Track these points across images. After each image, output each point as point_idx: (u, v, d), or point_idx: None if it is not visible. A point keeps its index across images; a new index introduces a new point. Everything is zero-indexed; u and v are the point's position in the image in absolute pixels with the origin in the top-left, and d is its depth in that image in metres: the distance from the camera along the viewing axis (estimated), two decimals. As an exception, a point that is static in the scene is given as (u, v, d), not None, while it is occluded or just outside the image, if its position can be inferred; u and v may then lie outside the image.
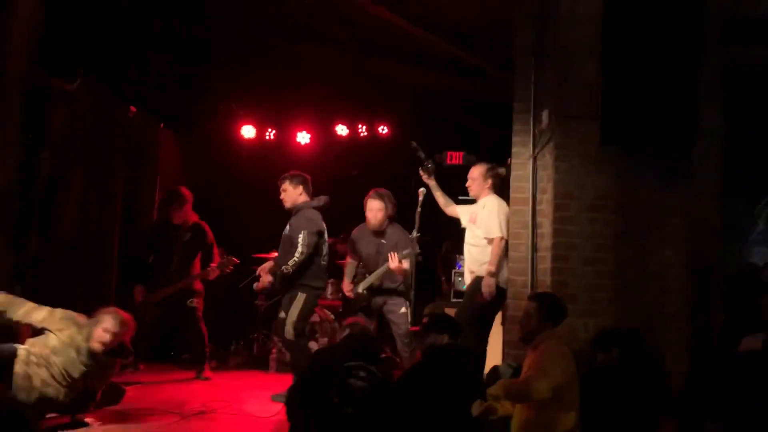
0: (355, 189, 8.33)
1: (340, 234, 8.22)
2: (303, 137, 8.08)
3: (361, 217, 5.68)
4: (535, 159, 4.39)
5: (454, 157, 7.69)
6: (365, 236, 5.36)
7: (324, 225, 5.09)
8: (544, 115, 4.24)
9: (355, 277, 5.51)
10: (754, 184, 6.22)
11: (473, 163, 7.44)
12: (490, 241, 4.48)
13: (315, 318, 6.78)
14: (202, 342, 5.83)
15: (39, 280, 4.99)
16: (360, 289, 5.27)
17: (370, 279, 5.19)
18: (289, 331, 4.81)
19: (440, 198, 5.03)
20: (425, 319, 3.50)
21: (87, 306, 5.37)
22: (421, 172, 4.93)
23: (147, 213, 6.77)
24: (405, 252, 4.81)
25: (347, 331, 3.91)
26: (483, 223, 4.55)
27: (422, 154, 4.89)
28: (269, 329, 7.28)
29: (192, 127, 7.66)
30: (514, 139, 4.55)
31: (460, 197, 5.28)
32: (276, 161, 8.04)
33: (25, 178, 5.10)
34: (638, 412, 3.33)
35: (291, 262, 4.80)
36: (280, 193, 5.16)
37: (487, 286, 4.39)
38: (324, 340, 6.69)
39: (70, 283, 5.41)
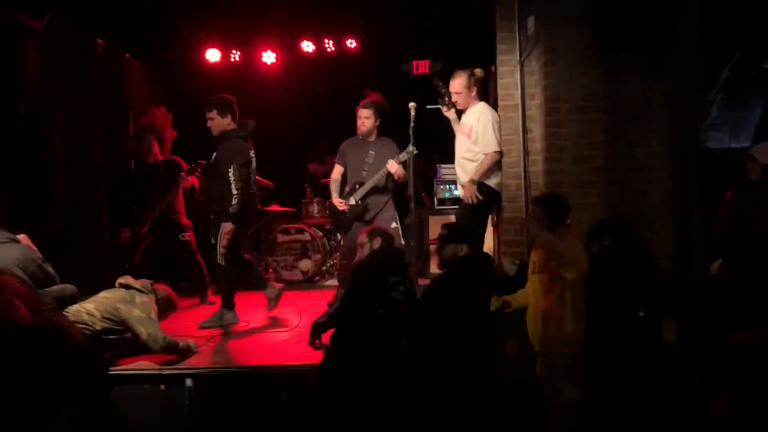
0: (322, 106, 8.45)
1: (307, 154, 8.35)
2: (269, 57, 7.93)
3: (331, 134, 5.64)
4: (522, 65, 4.53)
5: (420, 66, 7.76)
6: (355, 145, 5.43)
7: (252, 153, 4.98)
8: (531, 22, 4.34)
9: (344, 186, 5.58)
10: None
11: (439, 70, 7.55)
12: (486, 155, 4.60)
13: (306, 236, 7.00)
14: (201, 270, 6.01)
15: (35, 228, 5.00)
16: (353, 200, 5.34)
17: (366, 187, 5.25)
18: (219, 257, 4.81)
19: (457, 131, 4.97)
20: (442, 232, 3.64)
21: (83, 255, 5.52)
22: (441, 105, 4.91)
23: (124, 146, 6.68)
24: (404, 152, 4.91)
25: (377, 239, 3.87)
26: (480, 138, 4.59)
27: (444, 89, 4.83)
28: (257, 252, 7.52)
29: (156, 55, 7.44)
30: (500, 47, 4.65)
31: (428, 106, 5.31)
32: (242, 83, 7.96)
33: (5, 122, 5.02)
34: (632, 293, 3.66)
35: (234, 202, 4.70)
36: (207, 121, 4.91)
37: (468, 192, 4.56)
38: (317, 257, 6.95)
39: (66, 228, 5.44)
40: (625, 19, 3.69)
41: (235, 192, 4.67)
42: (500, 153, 4.60)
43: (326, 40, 7.80)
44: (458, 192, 4.95)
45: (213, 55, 7.78)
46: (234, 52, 7.89)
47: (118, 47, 6.52)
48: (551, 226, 3.29)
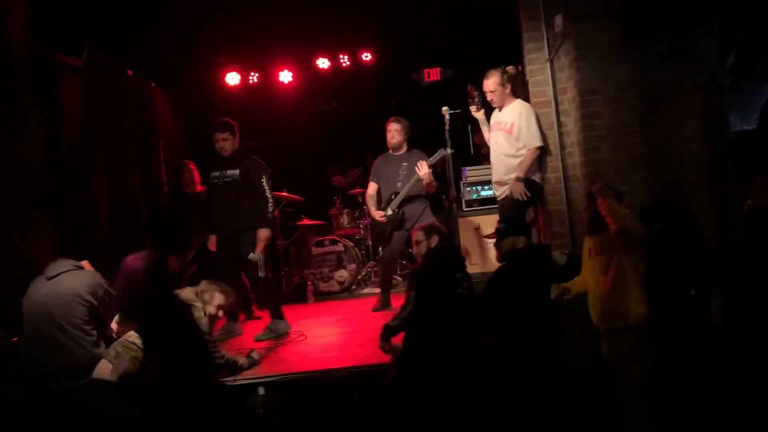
0: (340, 120, 8.61)
1: (332, 167, 8.50)
2: (285, 76, 8.11)
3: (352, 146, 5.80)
4: (551, 62, 4.69)
5: (432, 74, 7.93)
6: (387, 160, 5.66)
7: None
8: (558, 20, 4.49)
9: (379, 203, 5.78)
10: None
11: (449, 76, 7.69)
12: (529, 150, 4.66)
13: (340, 247, 7.14)
14: (245, 287, 6.13)
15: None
16: (390, 210, 5.53)
17: (401, 195, 5.44)
18: (260, 269, 4.95)
19: (485, 131, 5.05)
20: (499, 227, 3.77)
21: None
22: (471, 107, 5.01)
23: (157, 176, 6.84)
24: (437, 154, 5.08)
25: (434, 237, 3.91)
26: (524, 133, 4.63)
27: (476, 91, 4.94)
28: (291, 266, 7.66)
29: (179, 83, 7.62)
30: (528, 45, 4.82)
31: (445, 108, 5.24)
32: (261, 104, 8.17)
33: (51, 157, 5.15)
34: (685, 272, 3.76)
35: (270, 209, 4.98)
36: (219, 142, 5.09)
37: (516, 189, 4.64)
38: (352, 266, 7.08)
39: (112, 259, 5.56)
40: (654, 10, 3.86)
41: (270, 200, 4.93)
42: (542, 148, 4.69)
43: (341, 55, 7.98)
44: (493, 191, 5.05)
45: (232, 78, 7.97)
46: (252, 74, 8.08)
47: (145, 78, 6.69)
48: None
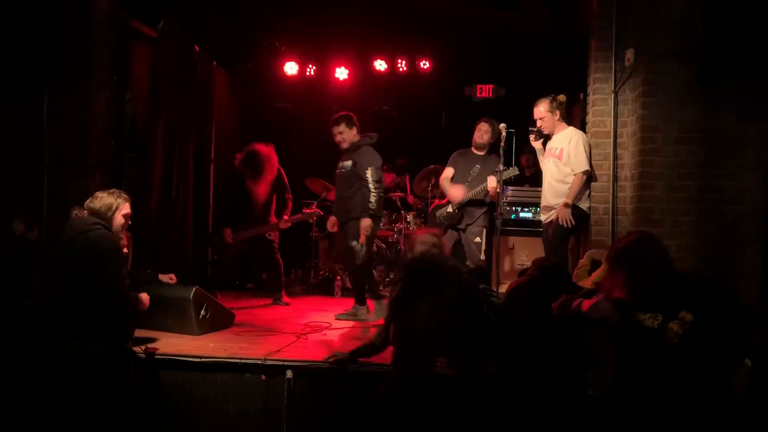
0: (388, 124, 8.67)
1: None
2: (341, 73, 8.22)
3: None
4: (616, 94, 4.70)
5: (484, 90, 7.97)
6: (466, 156, 5.79)
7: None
8: (630, 53, 4.51)
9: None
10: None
11: (502, 95, 7.73)
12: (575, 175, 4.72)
13: (373, 247, 7.17)
14: (279, 271, 6.26)
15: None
16: (451, 208, 5.64)
17: (465, 198, 5.54)
18: (359, 258, 5.18)
19: (541, 160, 5.13)
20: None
21: (175, 250, 5.79)
22: (530, 136, 5.13)
23: (207, 154, 6.97)
24: (506, 172, 5.16)
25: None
26: (572, 159, 4.70)
27: (536, 128, 5.06)
28: (320, 259, 7.73)
29: (239, 65, 7.75)
30: (594, 75, 4.84)
31: (503, 125, 5.22)
32: (315, 97, 8.27)
33: (113, 120, 5.29)
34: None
35: (373, 200, 5.14)
36: (336, 136, 5.39)
37: (563, 215, 4.68)
38: (381, 268, 7.12)
39: (161, 226, 5.72)
40: (732, 57, 3.85)
41: (373, 191, 5.12)
42: (588, 173, 4.72)
43: (399, 60, 8.07)
44: (542, 216, 5.08)
45: (291, 68, 8.10)
46: (310, 66, 8.20)
47: (209, 55, 6.81)
48: None
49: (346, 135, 5.37)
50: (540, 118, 4.92)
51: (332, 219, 5.56)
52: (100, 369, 3.44)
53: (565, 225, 4.66)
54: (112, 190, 3.72)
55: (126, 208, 3.70)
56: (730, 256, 4.21)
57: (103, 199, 3.63)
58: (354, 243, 5.19)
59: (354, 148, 5.37)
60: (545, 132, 4.99)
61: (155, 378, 3.93)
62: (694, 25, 4.09)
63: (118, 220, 3.65)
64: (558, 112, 4.88)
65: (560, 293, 3.39)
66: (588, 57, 5.03)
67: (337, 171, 5.48)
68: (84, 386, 3.41)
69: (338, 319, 5.29)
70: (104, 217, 3.59)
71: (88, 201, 3.64)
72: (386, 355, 4.05)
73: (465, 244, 5.60)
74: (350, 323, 5.21)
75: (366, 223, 5.12)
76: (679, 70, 4.21)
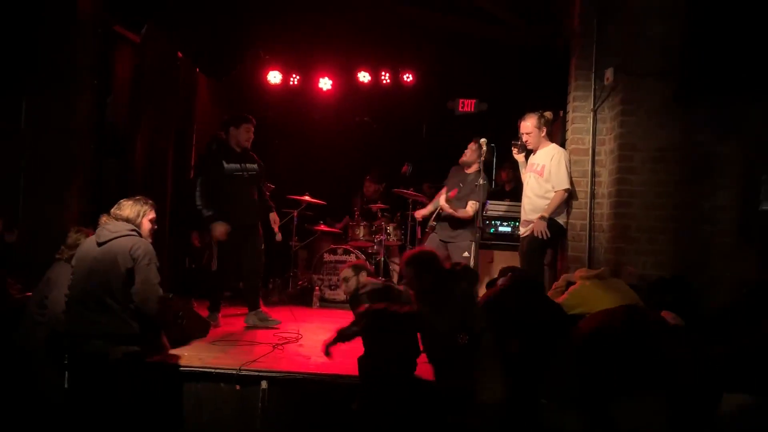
0: (372, 135, 8.69)
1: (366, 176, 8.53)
2: (325, 83, 8.24)
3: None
4: (595, 113, 4.77)
5: (466, 105, 8.00)
6: (457, 172, 5.95)
7: None
8: (609, 72, 4.58)
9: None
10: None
11: (484, 110, 7.78)
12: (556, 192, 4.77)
13: (351, 258, 7.12)
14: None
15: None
16: (432, 221, 5.88)
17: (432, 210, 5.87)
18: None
19: (523, 173, 5.16)
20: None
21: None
22: (513, 149, 5.15)
23: (188, 160, 6.92)
24: (444, 210, 5.58)
25: (362, 273, 4.24)
26: (553, 176, 4.74)
27: (519, 135, 5.11)
28: (299, 268, 7.69)
29: (222, 74, 7.70)
30: (574, 93, 4.90)
31: (483, 139, 5.42)
32: (298, 106, 8.27)
33: (94, 124, 5.25)
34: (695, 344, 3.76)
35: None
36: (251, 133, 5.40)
37: (538, 227, 4.70)
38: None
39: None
40: (710, 79, 3.92)
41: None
42: (569, 191, 4.78)
43: (383, 72, 8.10)
44: (521, 230, 5.12)
45: (274, 77, 8.09)
46: (294, 76, 8.20)
47: (192, 62, 6.79)
48: None
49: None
50: (527, 133, 4.95)
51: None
52: (118, 370, 3.50)
53: (540, 237, 4.69)
54: (137, 198, 3.82)
55: (151, 214, 3.83)
56: (704, 273, 4.26)
57: (130, 206, 3.76)
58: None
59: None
60: (529, 147, 5.03)
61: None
62: (673, 46, 4.17)
63: (146, 225, 3.80)
64: (545, 129, 4.92)
65: (531, 302, 3.48)
66: (568, 75, 5.09)
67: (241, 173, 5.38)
68: (101, 385, 3.50)
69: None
70: (134, 223, 3.71)
71: (114, 209, 3.75)
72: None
73: (453, 259, 5.62)
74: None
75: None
76: (658, 90, 4.29)
